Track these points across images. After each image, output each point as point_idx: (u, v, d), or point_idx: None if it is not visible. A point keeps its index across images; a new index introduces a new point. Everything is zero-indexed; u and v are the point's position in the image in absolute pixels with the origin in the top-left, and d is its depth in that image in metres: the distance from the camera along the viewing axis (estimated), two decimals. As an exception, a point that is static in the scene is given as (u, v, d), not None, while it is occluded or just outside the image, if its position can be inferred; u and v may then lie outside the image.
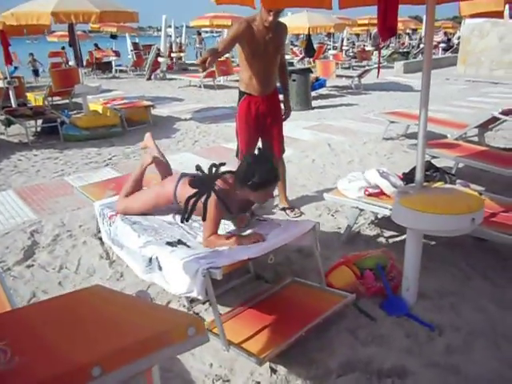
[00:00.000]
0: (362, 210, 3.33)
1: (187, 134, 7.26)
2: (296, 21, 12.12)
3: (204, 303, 2.65)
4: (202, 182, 2.58)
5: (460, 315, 2.52)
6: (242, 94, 3.68)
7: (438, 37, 24.02)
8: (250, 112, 3.66)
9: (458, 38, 27.03)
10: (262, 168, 2.41)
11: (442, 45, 23.86)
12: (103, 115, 7.57)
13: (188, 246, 2.57)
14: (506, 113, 5.19)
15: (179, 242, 2.63)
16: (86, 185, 4.05)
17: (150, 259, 2.51)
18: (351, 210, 3.51)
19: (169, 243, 2.58)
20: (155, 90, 12.63)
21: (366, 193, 3.21)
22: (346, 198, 3.28)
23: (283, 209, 4.07)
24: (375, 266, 2.71)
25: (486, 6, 3.97)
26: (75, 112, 8.85)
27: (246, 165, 2.50)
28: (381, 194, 3.21)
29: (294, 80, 9.06)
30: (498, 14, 4.71)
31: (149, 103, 8.26)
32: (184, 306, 2.65)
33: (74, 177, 5.16)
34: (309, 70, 10.05)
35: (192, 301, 2.64)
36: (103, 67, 17.84)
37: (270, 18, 3.20)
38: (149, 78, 15.10)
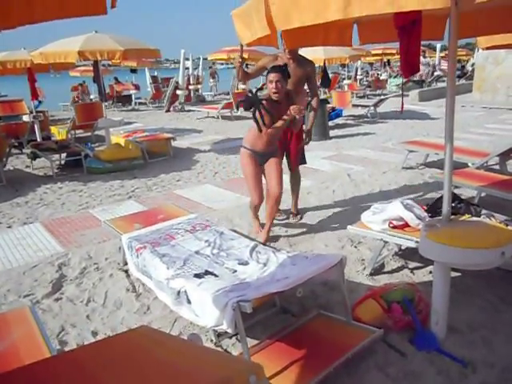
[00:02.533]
0: (386, 242, 3.33)
1: (207, 165, 7.38)
2: (312, 53, 12.36)
3: (231, 337, 2.66)
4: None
5: (492, 350, 2.47)
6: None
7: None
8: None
9: (472, 64, 27.15)
10: None
11: (457, 72, 23.94)
12: (125, 148, 7.77)
13: (216, 276, 2.61)
14: (527, 141, 5.17)
15: (206, 272, 2.68)
16: (113, 218, 4.14)
17: (179, 292, 2.55)
18: (375, 242, 3.51)
19: (196, 275, 2.63)
20: (174, 122, 12.92)
21: (391, 225, 3.21)
22: (371, 230, 3.29)
23: (290, 213, 4.75)
24: (402, 298, 2.69)
25: (503, 39, 4.04)
26: (97, 145, 9.10)
27: None
28: (405, 226, 3.21)
29: (310, 111, 9.19)
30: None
31: (169, 135, 8.46)
32: (212, 340, 2.66)
33: (98, 209, 5.27)
34: (325, 101, 10.20)
35: (219, 335, 2.65)
36: (123, 100, 18.38)
37: (287, 57, 3.94)
38: (167, 110, 15.48)
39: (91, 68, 8.34)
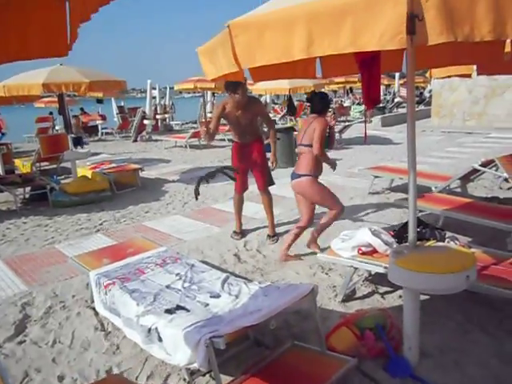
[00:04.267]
0: (356, 268, 3.37)
1: (176, 195, 7.33)
2: (277, 82, 12.63)
3: (204, 375, 2.59)
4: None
5: (464, 373, 2.52)
6: (232, 140, 5.05)
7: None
8: (237, 151, 4.90)
9: (430, 91, 28.43)
10: None
11: (415, 98, 24.92)
12: (92, 180, 7.63)
13: (187, 310, 2.57)
14: (485, 164, 5.42)
15: (178, 307, 2.63)
16: (80, 254, 4.03)
17: (149, 329, 2.49)
18: (346, 268, 3.55)
19: (168, 311, 2.58)
20: (142, 152, 12.83)
21: (360, 252, 3.27)
22: (341, 257, 3.33)
23: (268, 236, 5.00)
24: (374, 325, 2.71)
25: (456, 71, 4.28)
26: (63, 177, 8.91)
27: None
28: (374, 252, 3.27)
29: (278, 139, 9.34)
30: (467, 75, 5.08)
31: (137, 166, 8.38)
32: (184, 379, 2.59)
33: (64, 244, 5.12)
34: (292, 129, 10.40)
35: (192, 373, 2.59)
36: (90, 131, 18.15)
37: (236, 97, 4.42)
38: (135, 140, 15.40)
39: (56, 99, 8.24)
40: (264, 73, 2.85)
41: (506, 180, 6.59)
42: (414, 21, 1.51)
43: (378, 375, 2.51)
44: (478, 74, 5.19)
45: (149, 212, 6.42)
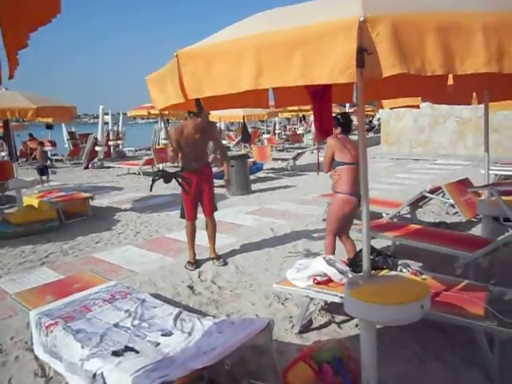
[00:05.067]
0: (312, 298, 3.33)
1: (128, 225, 7.09)
2: (231, 110, 12.77)
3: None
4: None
5: (421, 404, 2.50)
6: (183, 168, 4.83)
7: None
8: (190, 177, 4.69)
9: (378, 119, 29.70)
10: None
11: (365, 126, 25.92)
12: (39, 209, 7.25)
13: (136, 352, 2.42)
14: (433, 191, 5.62)
15: (126, 348, 2.47)
16: (21, 291, 3.74)
17: (95, 375, 2.31)
18: (302, 298, 3.50)
19: (115, 353, 2.42)
20: (93, 179, 12.44)
21: (315, 281, 3.24)
22: (296, 287, 3.28)
23: (212, 258, 5.07)
24: (332, 358, 2.66)
25: (403, 102, 4.46)
26: (7, 206, 8.45)
27: None
28: (329, 281, 3.25)
29: (232, 166, 9.34)
30: (415, 106, 5.31)
31: (87, 195, 8.07)
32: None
33: (5, 279, 4.78)
34: (246, 156, 10.44)
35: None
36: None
37: (199, 120, 4.47)
38: (86, 167, 14.94)
39: (1, 124, 7.88)
40: (215, 102, 2.82)
41: (451, 206, 6.89)
42: (363, 55, 1.53)
43: (337, 411, 2.44)
44: (423, 100, 5.45)
45: (99, 242, 6.15)
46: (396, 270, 3.11)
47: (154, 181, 3.89)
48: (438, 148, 16.07)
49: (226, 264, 4.99)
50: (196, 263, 4.99)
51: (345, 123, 4.15)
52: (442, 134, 16.04)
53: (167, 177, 3.90)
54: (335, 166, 4.13)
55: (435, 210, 7.22)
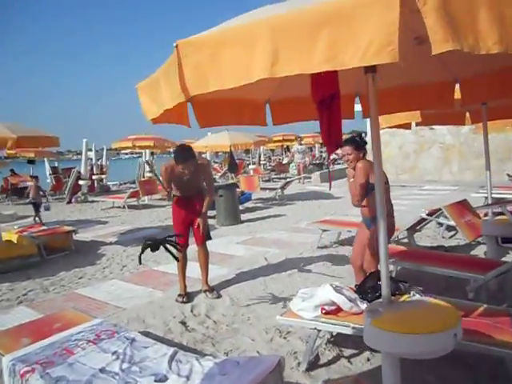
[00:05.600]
0: (319, 330, 3.04)
1: (114, 259, 6.71)
2: (217, 139, 12.60)
3: None
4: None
5: None
6: (174, 196, 4.73)
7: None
8: (179, 204, 4.71)
9: (363, 148, 29.94)
10: None
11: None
12: (18, 245, 6.83)
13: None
14: (431, 213, 5.44)
15: (114, 399, 2.13)
16: (-7, 334, 3.37)
17: (78, 430, 1.97)
18: (305, 331, 3.21)
19: (102, 404, 2.08)
20: (77, 214, 12.01)
21: (323, 311, 2.95)
22: (302, 319, 2.98)
23: (204, 291, 4.73)
24: (349, 399, 2.36)
25: (400, 119, 4.34)
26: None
27: None
28: (338, 310, 2.96)
29: (221, 196, 9.09)
30: (407, 125, 5.22)
31: (70, 228, 7.68)
32: None
33: (-22, 322, 4.36)
34: (235, 185, 10.22)
35: None
36: (19, 193, 16.93)
37: (180, 168, 4.31)
38: (69, 202, 14.51)
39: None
40: (211, 117, 2.61)
41: (447, 229, 6.72)
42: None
43: None
44: (417, 124, 5.36)
45: (83, 278, 5.76)
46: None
47: (143, 250, 3.58)
48: (424, 174, 16.14)
49: (219, 296, 4.65)
50: (187, 296, 4.65)
51: (364, 144, 3.82)
52: (427, 160, 16.16)
53: (155, 245, 3.65)
54: (370, 190, 3.61)
55: (430, 235, 7.03)
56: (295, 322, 3.08)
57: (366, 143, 3.79)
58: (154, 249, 3.61)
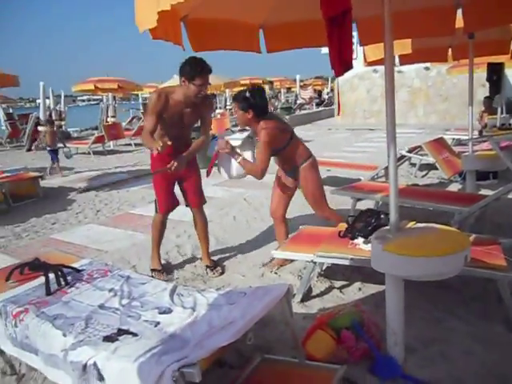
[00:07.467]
0: (315, 263, 3.05)
1: (87, 204, 6.48)
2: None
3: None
4: None
5: (453, 363, 2.30)
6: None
7: (308, 93, 26.31)
8: (163, 159, 3.33)
9: (327, 93, 29.94)
10: None
11: (315, 100, 26.09)
12: (-20, 192, 6.47)
13: (134, 334, 2.01)
14: (410, 150, 5.49)
15: (120, 332, 2.06)
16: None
17: (85, 366, 1.89)
18: (296, 265, 3.22)
19: (107, 338, 2.00)
20: (39, 161, 11.42)
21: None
22: (300, 252, 2.97)
23: (206, 267, 3.81)
24: (351, 323, 2.40)
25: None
26: None
27: None
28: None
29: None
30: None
31: (36, 174, 7.32)
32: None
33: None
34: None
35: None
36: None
37: (202, 93, 3.21)
38: (29, 149, 13.80)
39: None
40: (203, 39, 2.43)
41: (419, 169, 6.86)
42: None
43: (366, 381, 2.19)
44: (401, 64, 5.25)
45: (56, 223, 5.54)
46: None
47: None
48: (391, 117, 16.29)
49: (223, 272, 3.76)
50: (165, 270, 3.81)
51: (258, 104, 3.22)
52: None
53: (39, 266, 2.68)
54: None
55: (404, 174, 7.14)
56: (292, 255, 3.07)
57: (261, 102, 3.27)
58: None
